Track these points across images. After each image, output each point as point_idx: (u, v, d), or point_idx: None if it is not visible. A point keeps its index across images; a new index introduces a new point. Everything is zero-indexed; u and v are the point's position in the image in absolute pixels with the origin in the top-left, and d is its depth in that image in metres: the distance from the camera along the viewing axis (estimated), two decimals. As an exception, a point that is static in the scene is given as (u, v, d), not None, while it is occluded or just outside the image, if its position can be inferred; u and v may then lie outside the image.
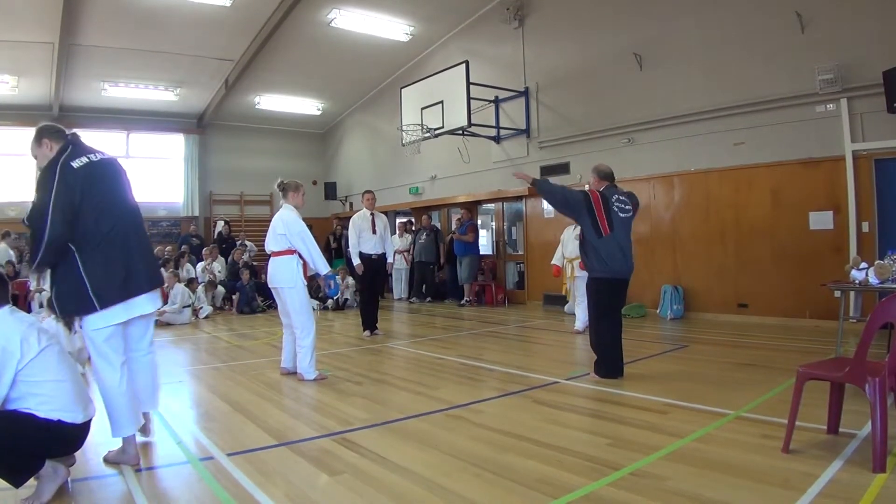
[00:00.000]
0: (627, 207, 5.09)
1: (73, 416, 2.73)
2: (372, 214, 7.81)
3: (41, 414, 2.63)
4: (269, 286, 5.49)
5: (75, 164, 3.05)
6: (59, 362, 2.76)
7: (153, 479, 2.99)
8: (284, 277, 5.29)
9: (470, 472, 2.97)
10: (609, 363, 4.97)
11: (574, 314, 8.10)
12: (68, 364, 2.84)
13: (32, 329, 2.74)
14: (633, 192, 5.45)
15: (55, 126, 3.23)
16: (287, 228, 5.29)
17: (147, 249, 3.41)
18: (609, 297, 5.03)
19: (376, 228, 7.77)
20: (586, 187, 5.44)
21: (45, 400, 2.66)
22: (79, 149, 3.16)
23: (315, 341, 5.37)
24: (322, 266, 5.42)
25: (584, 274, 7.47)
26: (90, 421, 2.90)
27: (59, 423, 2.67)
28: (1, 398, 2.61)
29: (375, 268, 7.88)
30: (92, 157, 3.16)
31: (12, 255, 11.57)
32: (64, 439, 2.76)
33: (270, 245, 5.42)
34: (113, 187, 3.23)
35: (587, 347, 6.85)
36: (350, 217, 8.43)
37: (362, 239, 7.73)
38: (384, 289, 13.42)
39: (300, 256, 5.35)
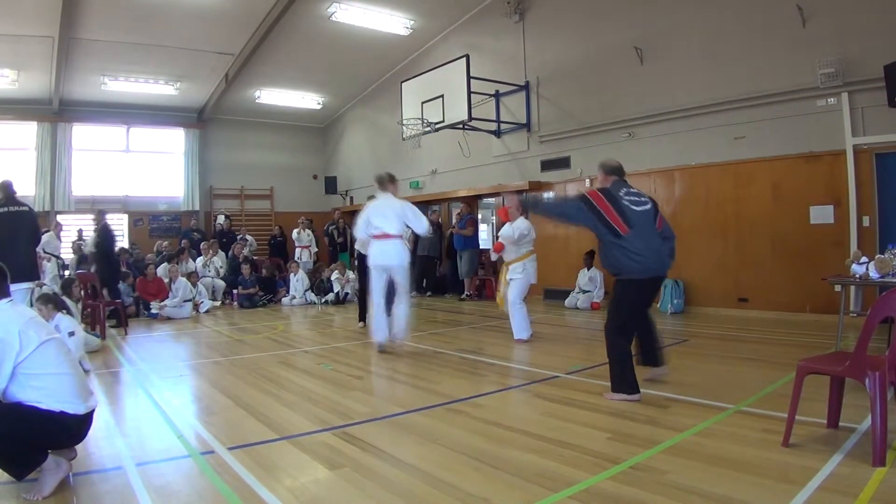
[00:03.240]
0: (643, 200, 4.38)
1: (75, 408, 2.74)
2: None
3: (44, 406, 2.64)
4: (378, 263, 6.28)
5: None
6: (59, 355, 2.77)
7: (154, 472, 3.00)
8: (402, 257, 6.27)
9: (470, 466, 2.98)
10: (632, 378, 4.19)
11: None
12: (68, 357, 2.85)
13: (32, 322, 2.75)
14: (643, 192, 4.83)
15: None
16: (403, 213, 6.29)
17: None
18: (638, 302, 4.35)
19: None
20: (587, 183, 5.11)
21: (48, 392, 2.67)
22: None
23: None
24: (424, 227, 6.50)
25: (520, 277, 6.74)
26: (92, 412, 2.91)
27: (63, 415, 2.69)
28: (0, 390, 2.62)
29: None
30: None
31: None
32: (68, 430, 2.78)
33: (391, 228, 6.23)
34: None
35: (587, 341, 6.87)
36: (351, 212, 8.53)
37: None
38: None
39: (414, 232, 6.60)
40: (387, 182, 6.50)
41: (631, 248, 4.16)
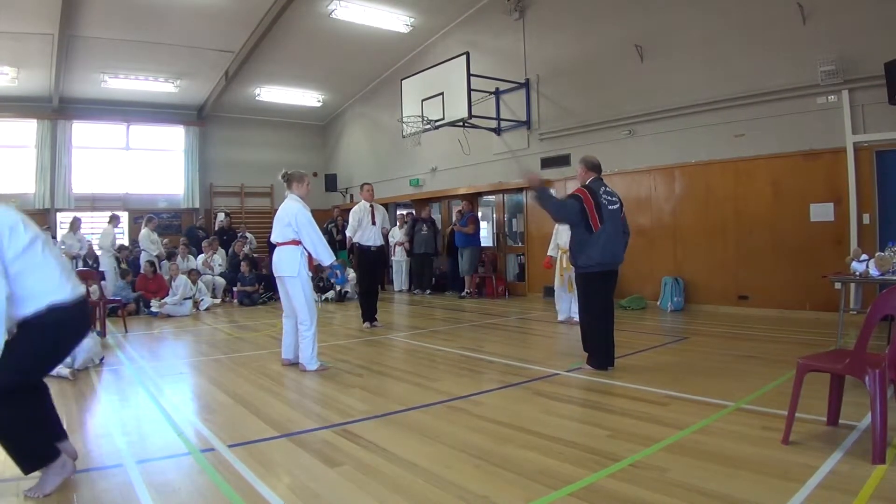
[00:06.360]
0: (614, 199, 5.06)
1: (62, 294, 2.65)
2: (371, 206, 7.92)
3: (32, 309, 2.57)
4: (274, 275, 5.55)
5: None
6: (45, 250, 2.68)
7: (154, 470, 3.00)
8: (289, 267, 5.35)
9: (470, 464, 2.98)
10: (602, 355, 5.00)
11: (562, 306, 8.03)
12: (53, 249, 2.77)
13: (19, 220, 2.65)
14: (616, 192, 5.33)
15: None
16: (294, 219, 5.35)
17: None
18: (600, 291, 5.01)
19: (375, 219, 7.94)
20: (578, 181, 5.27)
21: (35, 291, 2.59)
22: None
23: (317, 332, 5.42)
24: (326, 257, 5.46)
25: None
26: (83, 301, 2.81)
27: (52, 310, 2.60)
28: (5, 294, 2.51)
29: (374, 259, 8.09)
30: None
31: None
32: (65, 325, 2.71)
33: (276, 236, 5.48)
34: None
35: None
36: (351, 209, 8.53)
37: (363, 229, 7.89)
38: (384, 280, 13.43)
39: (305, 248, 5.40)
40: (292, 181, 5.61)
41: (596, 244, 4.84)
